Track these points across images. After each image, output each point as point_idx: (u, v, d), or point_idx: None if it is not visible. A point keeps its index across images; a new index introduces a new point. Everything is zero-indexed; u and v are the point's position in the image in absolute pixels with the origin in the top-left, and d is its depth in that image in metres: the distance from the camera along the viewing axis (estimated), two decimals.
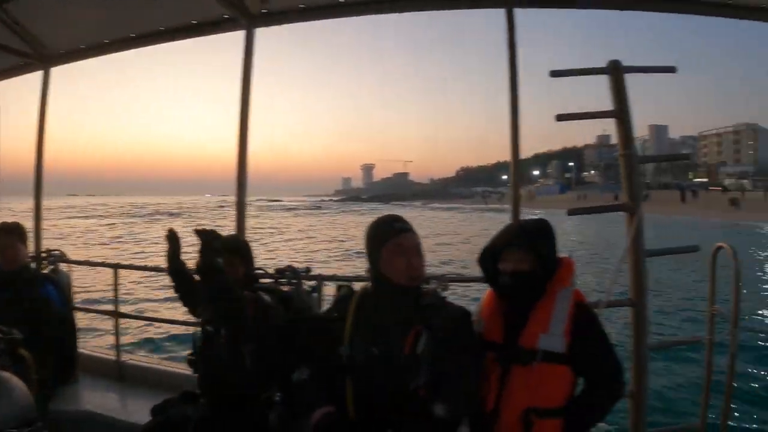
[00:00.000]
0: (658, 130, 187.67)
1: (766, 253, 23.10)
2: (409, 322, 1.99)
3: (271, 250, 27.97)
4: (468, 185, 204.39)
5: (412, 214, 64.49)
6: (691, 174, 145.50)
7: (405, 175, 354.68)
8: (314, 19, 3.35)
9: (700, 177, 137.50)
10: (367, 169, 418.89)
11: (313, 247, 29.76)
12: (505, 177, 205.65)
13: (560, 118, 2.75)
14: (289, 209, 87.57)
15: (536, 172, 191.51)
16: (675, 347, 5.66)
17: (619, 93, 2.74)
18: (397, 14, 3.45)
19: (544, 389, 2.03)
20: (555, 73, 2.77)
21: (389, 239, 2.03)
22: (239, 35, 3.37)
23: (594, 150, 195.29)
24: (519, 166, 2.84)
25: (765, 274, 18.53)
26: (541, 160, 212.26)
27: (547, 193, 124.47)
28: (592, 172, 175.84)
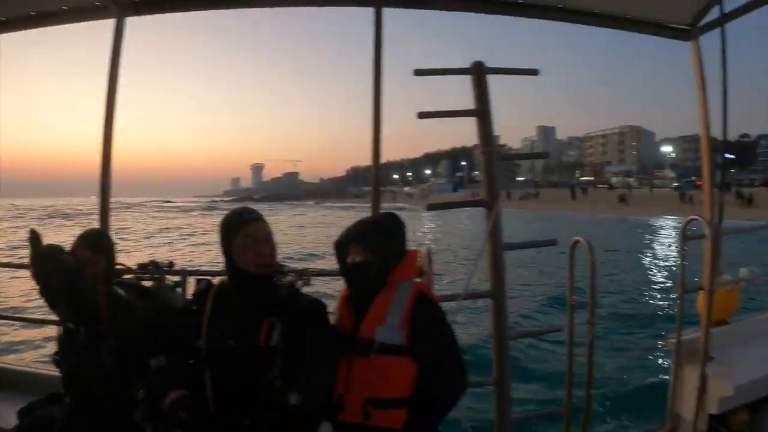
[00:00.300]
0: (546, 131, 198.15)
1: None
2: (264, 313, 2.04)
3: (192, 251, 27.58)
4: (359, 184, 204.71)
5: (313, 214, 64.42)
6: (577, 173, 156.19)
7: (295, 174, 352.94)
8: (188, 10, 3.32)
9: (586, 176, 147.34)
10: (257, 168, 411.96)
11: None
12: (396, 176, 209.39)
13: (421, 115, 2.84)
14: (186, 210, 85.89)
15: (428, 171, 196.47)
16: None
17: (481, 93, 2.86)
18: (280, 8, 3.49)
19: (383, 380, 2.10)
20: (419, 72, 2.86)
21: (240, 229, 2.09)
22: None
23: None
24: (379, 165, 2.93)
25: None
26: (432, 159, 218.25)
27: (441, 191, 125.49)
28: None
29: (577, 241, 3.16)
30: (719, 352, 3.77)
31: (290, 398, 1.93)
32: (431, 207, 2.92)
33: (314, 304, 2.18)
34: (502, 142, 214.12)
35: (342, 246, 2.28)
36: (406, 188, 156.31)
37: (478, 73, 2.88)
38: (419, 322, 2.13)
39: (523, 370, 7.43)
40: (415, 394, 2.13)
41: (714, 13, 3.53)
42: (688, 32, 3.62)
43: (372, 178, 2.92)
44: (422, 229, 39.00)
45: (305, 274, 2.30)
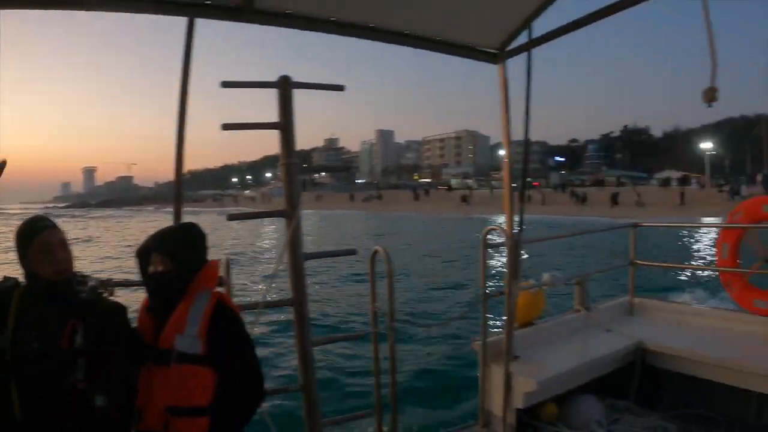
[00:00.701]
0: (384, 135, 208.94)
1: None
2: (67, 317, 2.10)
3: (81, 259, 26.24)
4: (196, 188, 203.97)
5: (163, 220, 62.04)
6: (416, 175, 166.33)
7: (129, 178, 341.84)
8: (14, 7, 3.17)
9: (424, 177, 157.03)
10: (89, 172, 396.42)
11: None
12: (235, 179, 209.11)
13: (225, 127, 2.92)
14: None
15: (269, 174, 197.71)
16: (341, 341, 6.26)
17: (286, 106, 3.00)
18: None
19: (183, 389, 2.18)
20: (225, 84, 2.92)
21: (35, 236, 2.14)
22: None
23: (322, 153, 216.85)
24: (181, 174, 2.95)
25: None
26: (272, 161, 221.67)
27: (282, 194, 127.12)
28: (323, 174, 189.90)
29: (376, 251, 3.43)
30: (525, 352, 4.16)
31: (96, 400, 2.03)
32: (231, 217, 3.03)
33: (116, 307, 2.28)
34: (341, 145, 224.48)
35: (143, 255, 2.34)
36: (247, 192, 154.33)
37: (284, 87, 3.01)
38: (218, 332, 2.24)
39: (338, 375, 7.78)
40: (216, 402, 2.22)
41: (522, 38, 3.89)
42: (497, 56, 3.94)
43: (174, 187, 2.98)
44: (262, 234, 39.87)
45: (109, 285, 2.36)
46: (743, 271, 5.30)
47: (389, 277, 3.34)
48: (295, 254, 2.98)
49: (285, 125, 3.01)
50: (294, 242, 2.97)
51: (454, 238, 31.32)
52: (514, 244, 3.80)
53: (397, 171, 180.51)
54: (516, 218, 3.81)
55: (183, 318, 2.23)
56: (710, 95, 2.01)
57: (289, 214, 2.98)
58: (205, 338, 2.22)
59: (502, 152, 4.15)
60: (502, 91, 3.93)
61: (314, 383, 3.10)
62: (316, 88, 3.18)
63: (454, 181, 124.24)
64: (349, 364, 8.16)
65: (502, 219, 4.05)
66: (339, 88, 3.24)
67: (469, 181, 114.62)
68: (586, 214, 46.95)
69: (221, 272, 2.62)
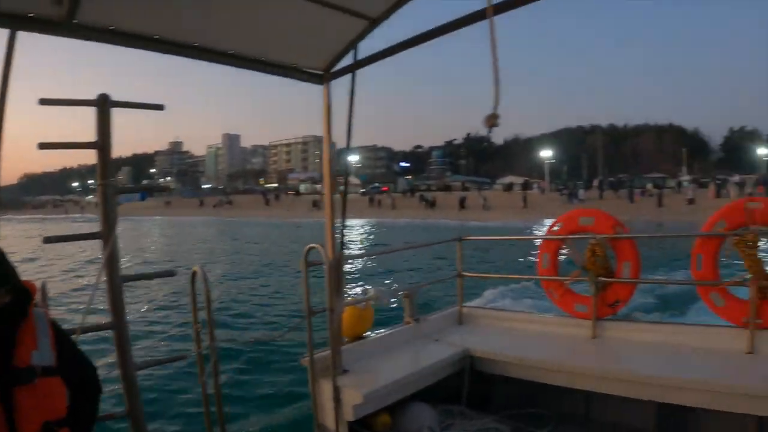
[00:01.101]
0: (231, 139, 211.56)
1: None
2: None
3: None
4: (35, 193, 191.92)
5: (21, 227, 56.53)
6: (262, 180, 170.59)
7: None
8: None
9: (270, 182, 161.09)
10: None
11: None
12: (75, 184, 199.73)
13: (42, 146, 2.94)
14: None
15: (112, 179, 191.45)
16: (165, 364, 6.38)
17: (104, 125, 3.07)
18: None
19: (51, 402, 2.29)
20: (44, 101, 2.96)
21: None
22: None
23: (167, 156, 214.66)
24: None
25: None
26: (113, 165, 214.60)
27: (127, 200, 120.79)
28: (168, 178, 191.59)
29: (195, 272, 3.60)
30: (354, 365, 4.47)
31: None
32: (47, 240, 3.03)
33: None
34: (185, 149, 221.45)
35: None
36: (90, 197, 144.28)
37: (103, 105, 3.08)
38: (60, 344, 2.40)
39: (166, 398, 7.82)
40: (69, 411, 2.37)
41: (348, 59, 4.11)
42: (321, 77, 4.22)
43: None
44: (148, 242, 38.52)
45: None
46: (563, 279, 5.82)
47: (207, 299, 3.51)
48: (113, 277, 3.07)
49: (102, 145, 3.08)
50: (111, 265, 3.05)
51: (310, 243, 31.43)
52: (336, 264, 4.09)
53: (243, 175, 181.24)
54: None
55: (33, 336, 2.33)
56: (491, 121, 2.18)
57: (106, 236, 3.03)
58: (55, 351, 2.35)
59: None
60: (324, 111, 4.21)
61: (140, 408, 3.19)
62: (136, 107, 3.27)
63: (302, 186, 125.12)
64: (177, 386, 8.13)
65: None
66: (159, 107, 3.36)
67: (318, 186, 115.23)
68: (436, 217, 50.05)
69: (36, 297, 2.67)
